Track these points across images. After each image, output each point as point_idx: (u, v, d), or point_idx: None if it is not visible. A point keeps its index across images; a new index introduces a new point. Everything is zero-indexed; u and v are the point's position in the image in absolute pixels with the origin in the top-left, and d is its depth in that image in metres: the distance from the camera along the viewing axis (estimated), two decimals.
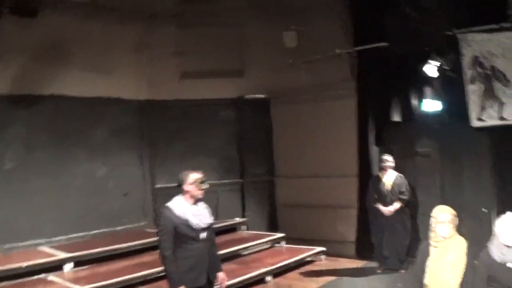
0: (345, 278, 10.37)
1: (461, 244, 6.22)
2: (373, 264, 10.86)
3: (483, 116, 10.31)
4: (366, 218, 11.11)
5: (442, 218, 6.29)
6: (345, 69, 11.76)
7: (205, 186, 6.78)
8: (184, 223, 6.52)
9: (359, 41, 11.47)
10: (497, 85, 10.15)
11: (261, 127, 13.38)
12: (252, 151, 13.26)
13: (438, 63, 10.49)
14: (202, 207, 6.83)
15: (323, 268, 11.12)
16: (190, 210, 6.65)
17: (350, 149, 11.81)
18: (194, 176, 6.72)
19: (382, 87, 11.35)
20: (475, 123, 10.34)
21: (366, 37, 11.30)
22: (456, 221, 6.30)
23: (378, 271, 10.70)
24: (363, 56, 11.44)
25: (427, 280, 6.25)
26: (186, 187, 6.68)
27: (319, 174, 12.37)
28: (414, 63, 10.77)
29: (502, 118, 10.14)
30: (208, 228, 6.78)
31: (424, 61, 10.58)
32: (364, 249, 11.39)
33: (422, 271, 6.30)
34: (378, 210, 10.57)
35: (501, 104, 10.14)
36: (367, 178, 11.13)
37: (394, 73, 11.10)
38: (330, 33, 11.75)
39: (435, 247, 6.31)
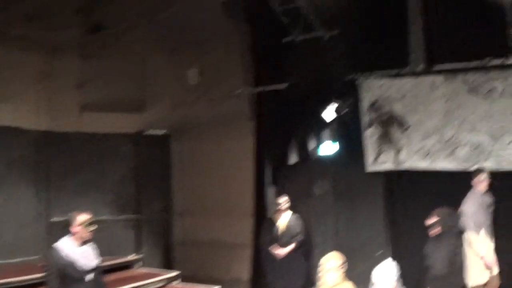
0: None
1: None
2: None
3: (379, 160, 9.71)
4: (261, 257, 10.28)
5: (329, 265, 6.07)
6: (245, 108, 10.98)
7: (93, 227, 6.30)
8: (70, 265, 6.06)
9: (260, 81, 10.77)
10: (394, 130, 9.58)
11: (160, 163, 12.36)
12: (150, 187, 12.20)
13: (336, 106, 9.89)
14: (90, 248, 6.36)
15: None
16: (77, 251, 6.19)
17: (247, 188, 10.97)
18: (81, 217, 6.23)
19: (281, 127, 10.66)
20: (371, 167, 9.74)
21: (268, 78, 10.64)
22: (345, 267, 6.08)
23: None
24: (264, 96, 10.73)
25: None
26: (73, 228, 6.18)
27: (216, 212, 11.51)
28: (313, 106, 10.13)
29: (397, 162, 9.58)
30: (95, 270, 6.28)
31: (323, 104, 9.99)
32: None
33: None
34: (273, 251, 9.75)
35: (397, 149, 9.58)
36: (263, 218, 10.41)
37: (293, 114, 10.40)
38: (233, 71, 11.05)
39: None
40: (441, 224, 7.20)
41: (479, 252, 7.83)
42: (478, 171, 8.20)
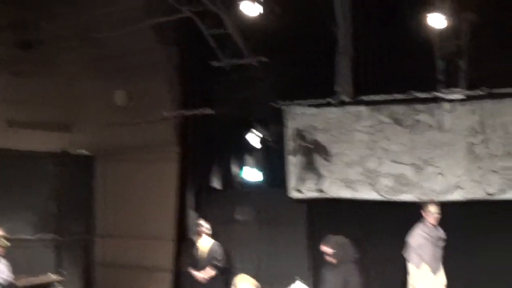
0: None
1: None
2: None
3: (302, 188, 9.20)
4: (181, 282, 9.70)
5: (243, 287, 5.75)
6: (171, 132, 10.37)
7: (5, 244, 6.30)
8: None
9: (186, 105, 10.18)
10: (318, 159, 9.10)
11: (84, 184, 11.53)
12: (73, 208, 11.34)
13: (261, 133, 9.45)
14: (2, 265, 6.29)
15: None
16: None
17: (169, 212, 10.28)
18: None
19: (205, 153, 10.09)
20: (294, 194, 9.23)
21: (194, 102, 10.07)
22: None
23: None
24: (189, 121, 10.17)
25: None
26: None
27: (137, 236, 10.76)
28: (238, 132, 9.65)
29: (320, 191, 9.10)
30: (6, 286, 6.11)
31: (248, 130, 9.49)
32: None
33: None
34: (193, 276, 9.14)
35: (320, 177, 9.09)
36: (184, 243, 9.73)
37: (218, 140, 9.89)
38: (160, 95, 10.41)
39: None
40: (335, 256, 6.94)
41: (415, 286, 7.38)
42: (428, 202, 7.68)
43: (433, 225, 7.45)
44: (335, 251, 6.86)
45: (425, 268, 7.35)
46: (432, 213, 7.44)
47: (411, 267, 7.41)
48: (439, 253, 7.43)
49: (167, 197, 10.30)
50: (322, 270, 7.10)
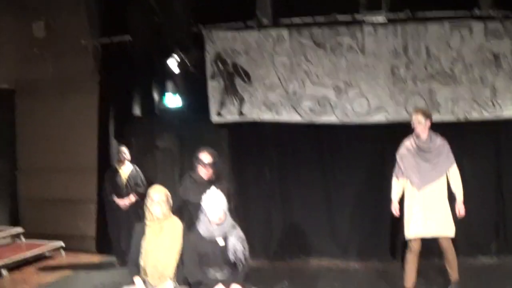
0: (82, 272, 7.56)
1: (176, 226, 4.79)
2: (114, 258, 7.80)
3: (223, 112, 7.63)
4: (105, 212, 7.90)
5: (157, 198, 4.68)
6: (90, 62, 8.40)
7: None
8: None
9: (105, 33, 8.24)
10: (239, 82, 7.51)
11: (5, 119, 9.24)
12: None
13: (181, 59, 7.53)
14: None
15: (62, 263, 8.13)
16: None
17: (90, 142, 8.45)
18: None
19: (125, 81, 8.12)
20: (215, 119, 7.69)
21: (112, 30, 8.09)
22: (171, 202, 4.77)
23: (118, 264, 7.59)
24: (108, 49, 8.21)
25: (143, 262, 4.68)
26: None
27: (60, 168, 8.76)
28: (157, 58, 7.69)
29: (241, 114, 7.56)
30: None
31: (168, 56, 7.56)
32: (104, 244, 8.15)
33: (138, 253, 4.71)
34: (114, 203, 7.58)
35: (242, 100, 7.53)
36: (106, 171, 7.91)
37: (138, 67, 7.91)
38: (78, 24, 8.36)
39: (150, 227, 4.72)
40: (212, 167, 5.29)
41: (392, 198, 5.80)
42: (415, 111, 5.82)
43: (417, 136, 5.66)
44: (214, 160, 5.28)
45: (403, 181, 5.72)
46: (417, 123, 5.60)
47: (393, 178, 5.81)
48: (424, 167, 5.55)
49: (89, 127, 8.46)
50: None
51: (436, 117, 6.80)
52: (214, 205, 4.54)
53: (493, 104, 6.84)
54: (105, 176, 7.78)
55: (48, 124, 8.81)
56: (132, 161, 7.79)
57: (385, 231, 7.22)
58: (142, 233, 4.73)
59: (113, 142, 8.20)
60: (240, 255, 4.56)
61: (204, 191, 4.75)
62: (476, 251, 6.91)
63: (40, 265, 7.95)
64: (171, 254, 4.65)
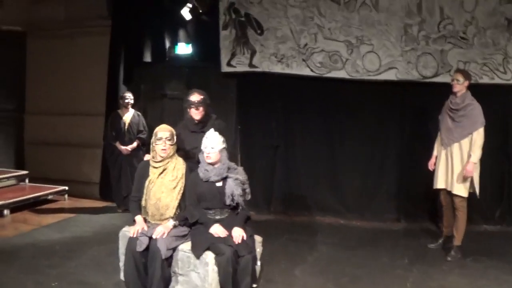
0: (84, 215, 7.54)
1: (180, 166, 4.67)
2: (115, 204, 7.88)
3: (234, 62, 7.46)
4: (106, 155, 7.90)
5: (161, 135, 4.59)
6: (102, 5, 8.26)
7: None
8: None
9: None
10: (251, 33, 7.35)
11: (15, 61, 9.17)
12: (4, 85, 9.02)
13: (194, 6, 7.38)
14: None
15: (65, 206, 8.14)
16: None
17: (101, 87, 8.32)
18: None
19: (137, 26, 8.00)
20: (225, 69, 7.52)
21: None
22: (174, 140, 4.65)
23: (119, 210, 7.63)
24: None
25: (144, 201, 4.63)
26: None
27: (67, 112, 8.78)
28: (170, 4, 7.64)
29: (251, 65, 7.40)
30: None
31: (181, 3, 7.41)
32: (108, 190, 8.09)
33: (140, 192, 4.65)
34: (116, 149, 7.52)
35: (253, 51, 7.38)
36: (110, 116, 7.85)
37: (150, 12, 7.83)
38: None
39: (154, 167, 4.65)
40: (202, 103, 4.99)
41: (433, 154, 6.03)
42: (456, 70, 6.06)
43: (453, 95, 5.77)
44: (204, 99, 4.97)
45: (439, 139, 5.95)
46: (455, 82, 5.73)
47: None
48: (451, 125, 5.73)
49: (98, 71, 8.35)
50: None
51: (446, 78, 6.76)
52: (206, 143, 4.48)
53: (504, 70, 6.72)
54: (108, 121, 7.69)
55: (58, 67, 8.76)
56: (140, 107, 7.74)
57: (390, 192, 7.21)
58: (145, 172, 4.66)
59: (122, 87, 8.10)
60: (238, 199, 4.49)
61: (197, 136, 4.72)
62: (480, 220, 6.88)
63: (42, 207, 7.96)
64: (172, 195, 4.58)
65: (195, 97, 4.91)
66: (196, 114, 4.89)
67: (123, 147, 7.45)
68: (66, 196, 8.46)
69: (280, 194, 7.51)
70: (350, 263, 5.56)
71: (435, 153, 5.96)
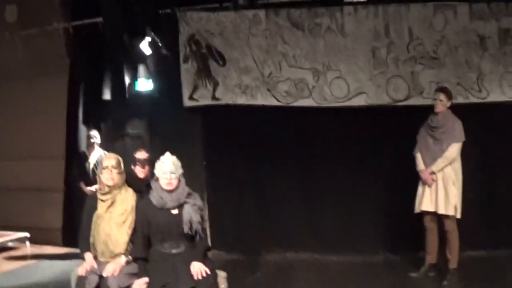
0: (45, 262, 7.14)
1: (129, 198, 4.28)
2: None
3: (196, 96, 7.06)
4: (73, 202, 7.43)
5: (107, 163, 4.25)
6: (60, 45, 7.82)
7: None
8: None
9: (76, 16, 7.67)
10: (213, 65, 6.98)
11: None
12: None
13: (153, 41, 7.10)
14: None
15: (26, 253, 7.67)
16: None
17: (59, 128, 7.87)
18: None
19: (96, 65, 7.69)
20: (187, 103, 7.11)
21: (84, 12, 7.54)
22: (122, 168, 4.29)
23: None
24: (80, 32, 7.63)
25: (92, 238, 4.25)
26: None
27: (26, 156, 8.16)
28: (129, 41, 7.20)
29: (214, 98, 7.00)
30: None
31: (140, 39, 7.09)
32: (71, 236, 7.32)
33: (88, 227, 4.26)
34: (82, 191, 7.02)
35: (215, 84, 6.99)
36: (74, 157, 7.50)
37: (109, 50, 7.43)
38: (49, 6, 7.79)
39: (101, 200, 4.26)
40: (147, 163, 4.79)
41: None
42: (439, 89, 5.84)
43: (434, 113, 5.65)
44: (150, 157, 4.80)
45: (419, 156, 5.72)
46: (438, 101, 5.63)
47: (416, 154, 5.81)
48: (430, 143, 5.63)
49: (57, 113, 7.87)
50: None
51: (419, 101, 6.47)
52: (164, 168, 4.11)
53: (479, 88, 6.44)
54: (73, 162, 7.29)
55: (15, 110, 8.21)
56: (101, 147, 7.31)
57: (367, 223, 6.78)
58: (94, 206, 4.33)
59: (82, 127, 7.70)
60: (197, 227, 4.11)
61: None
62: (463, 245, 6.45)
63: (3, 255, 7.51)
64: (122, 230, 4.22)
65: (141, 155, 4.76)
66: (141, 172, 4.71)
67: (87, 188, 6.99)
68: (27, 243, 7.89)
69: (250, 232, 7.02)
70: None
71: (422, 166, 5.63)
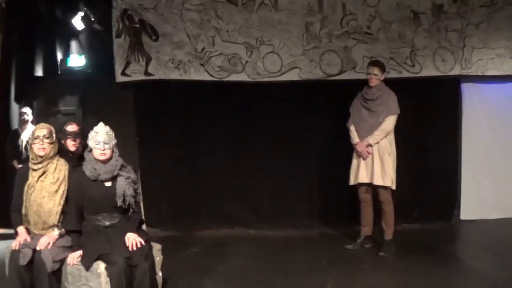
0: None
1: (61, 166, 4.10)
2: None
3: (128, 71, 6.75)
4: (5, 181, 6.94)
5: (38, 133, 4.03)
6: None
7: None
8: None
9: None
10: (146, 40, 6.72)
11: None
12: None
13: (86, 16, 7.01)
14: None
15: None
16: None
17: None
18: None
19: (29, 40, 7.39)
20: (120, 78, 6.78)
21: None
22: (53, 138, 4.05)
23: None
24: (12, 7, 7.08)
25: (24, 209, 4.00)
26: None
27: None
28: (62, 16, 7.16)
29: (147, 73, 6.74)
30: None
31: (73, 14, 7.03)
32: (4, 216, 6.51)
33: (20, 199, 4.02)
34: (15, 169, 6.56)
35: (148, 59, 6.73)
36: (8, 135, 7.18)
37: (43, 25, 7.27)
38: None
39: (33, 169, 4.06)
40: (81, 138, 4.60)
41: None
42: (373, 62, 5.70)
43: (368, 87, 5.55)
44: (80, 131, 4.60)
45: (353, 129, 5.62)
46: (373, 75, 5.49)
47: (349, 127, 5.69)
48: (365, 115, 5.52)
49: None
50: None
51: (352, 75, 6.45)
52: (98, 138, 3.97)
53: (412, 63, 6.50)
54: (7, 140, 7.04)
55: None
56: (34, 124, 7.09)
57: (302, 197, 6.75)
58: (25, 177, 4.12)
59: (14, 104, 7.41)
60: (130, 200, 4.00)
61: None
62: (399, 218, 6.44)
63: None
64: (55, 199, 4.04)
65: (72, 127, 4.56)
66: (72, 145, 4.51)
67: (20, 166, 6.77)
68: None
69: (185, 208, 6.86)
70: (263, 271, 5.13)
71: (357, 139, 5.53)
